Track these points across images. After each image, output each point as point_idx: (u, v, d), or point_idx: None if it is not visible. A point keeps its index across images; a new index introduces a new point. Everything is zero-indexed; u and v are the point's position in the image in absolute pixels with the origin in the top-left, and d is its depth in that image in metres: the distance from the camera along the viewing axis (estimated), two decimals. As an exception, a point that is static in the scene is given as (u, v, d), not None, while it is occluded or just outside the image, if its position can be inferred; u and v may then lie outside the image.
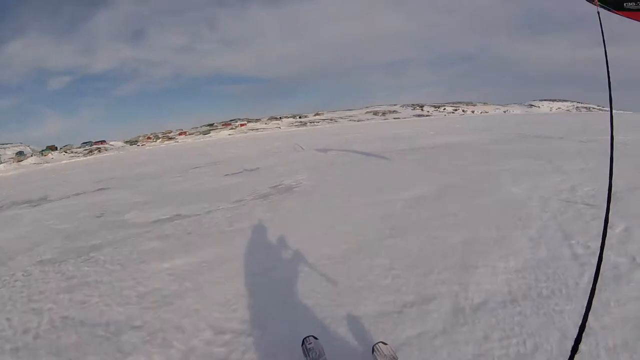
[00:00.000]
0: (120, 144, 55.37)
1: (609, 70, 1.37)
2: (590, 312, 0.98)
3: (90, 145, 51.73)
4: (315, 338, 1.91)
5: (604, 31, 1.35)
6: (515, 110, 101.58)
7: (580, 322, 0.96)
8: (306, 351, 1.83)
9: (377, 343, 1.81)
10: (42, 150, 48.52)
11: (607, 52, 1.43)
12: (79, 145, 52.57)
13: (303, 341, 1.89)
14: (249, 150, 16.05)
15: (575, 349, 0.90)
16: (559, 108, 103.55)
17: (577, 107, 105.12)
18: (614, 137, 1.58)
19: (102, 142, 54.64)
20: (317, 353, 1.79)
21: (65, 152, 46.73)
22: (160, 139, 63.25)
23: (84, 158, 39.70)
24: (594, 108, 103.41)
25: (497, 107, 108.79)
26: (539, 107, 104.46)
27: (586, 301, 1.00)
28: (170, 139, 62.89)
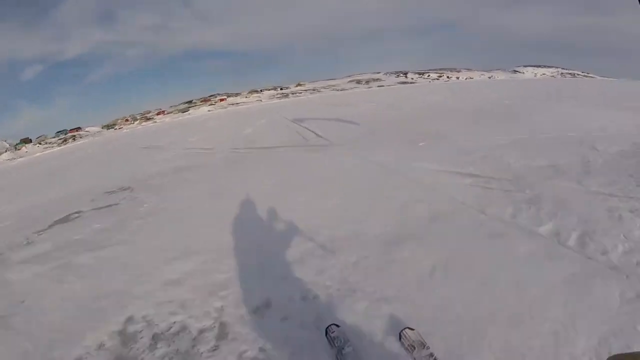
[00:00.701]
0: (96, 129, 54.45)
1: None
2: None
3: (65, 134, 50.95)
4: (337, 326, 1.89)
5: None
6: (500, 76, 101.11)
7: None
8: (331, 340, 1.82)
9: (404, 329, 1.80)
10: (16, 144, 47.59)
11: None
12: (54, 135, 51.74)
13: (326, 330, 1.88)
14: (226, 136, 12.36)
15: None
16: (544, 74, 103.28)
17: (561, 73, 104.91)
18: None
19: (77, 129, 53.70)
20: (342, 341, 1.78)
21: (39, 144, 46.10)
22: (138, 121, 62.32)
23: (58, 148, 39.47)
24: (578, 74, 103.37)
25: (482, 73, 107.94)
26: (524, 73, 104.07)
27: None
28: (149, 119, 62.02)
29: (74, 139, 42.75)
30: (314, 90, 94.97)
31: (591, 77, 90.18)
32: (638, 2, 0.91)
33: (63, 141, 43.96)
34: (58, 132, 52.59)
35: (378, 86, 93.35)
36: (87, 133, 51.01)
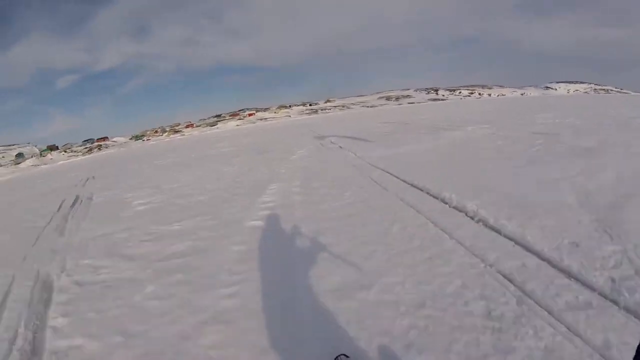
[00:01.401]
0: (123, 139, 52.15)
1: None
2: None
3: (92, 143, 48.59)
4: (347, 356, 1.77)
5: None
6: (532, 92, 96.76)
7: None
8: None
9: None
10: (42, 151, 45.38)
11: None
12: (80, 143, 49.46)
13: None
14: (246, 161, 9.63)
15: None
16: (577, 90, 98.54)
17: (594, 89, 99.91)
18: None
19: (104, 138, 51.48)
20: None
21: (65, 152, 43.65)
22: (167, 133, 60.04)
23: (82, 157, 36.62)
24: (611, 90, 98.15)
25: (514, 90, 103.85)
26: (556, 89, 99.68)
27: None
28: (177, 132, 59.62)
29: (99, 149, 39.98)
30: (343, 106, 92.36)
31: (625, 92, 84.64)
32: None
33: (88, 150, 41.31)
34: (85, 140, 50.46)
35: (409, 102, 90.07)
36: (114, 143, 48.50)
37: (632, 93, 68.80)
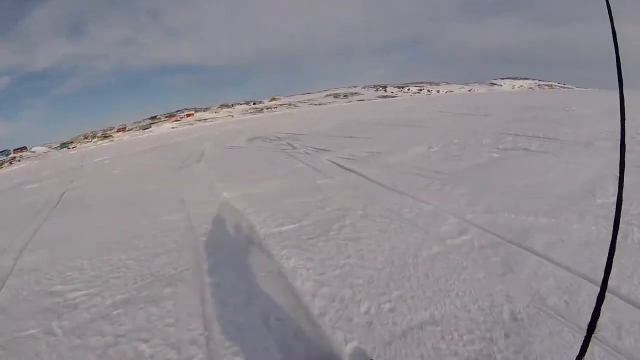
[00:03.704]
0: (43, 149, 52.24)
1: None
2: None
3: (7, 155, 48.77)
4: None
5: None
6: (478, 88, 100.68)
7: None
8: None
9: None
10: None
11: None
12: (-7, 154, 49.36)
13: None
14: None
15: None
16: (521, 86, 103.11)
17: (539, 84, 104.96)
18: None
19: (22, 149, 51.58)
20: None
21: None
22: (96, 138, 60.47)
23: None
24: (555, 85, 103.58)
25: (461, 86, 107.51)
26: (501, 85, 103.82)
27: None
28: (107, 137, 60.21)
29: (10, 163, 40.57)
30: (290, 104, 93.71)
31: (568, 87, 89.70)
32: (608, 14, 1.02)
33: (-1, 164, 41.82)
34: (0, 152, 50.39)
35: (358, 100, 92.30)
36: (32, 154, 48.94)
37: (575, 88, 73.18)
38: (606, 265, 0.97)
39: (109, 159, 18.48)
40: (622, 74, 1.01)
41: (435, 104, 22.51)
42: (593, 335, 0.94)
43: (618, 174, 1.04)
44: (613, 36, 1.05)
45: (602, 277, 0.97)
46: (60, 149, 53.92)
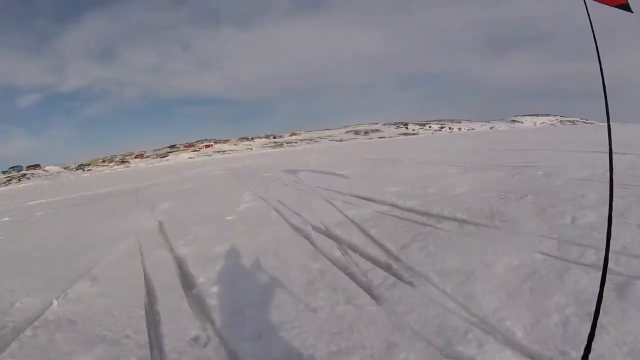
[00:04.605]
0: (56, 169, 51.31)
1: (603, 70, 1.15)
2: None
3: (19, 171, 47.85)
4: None
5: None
6: (500, 126, 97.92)
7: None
8: None
9: None
10: None
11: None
12: (6, 169, 48.47)
13: None
14: None
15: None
16: (543, 122, 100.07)
17: (560, 120, 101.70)
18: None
19: (35, 166, 50.75)
20: None
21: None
22: (114, 162, 59.72)
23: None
24: (577, 121, 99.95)
25: (483, 123, 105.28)
26: (523, 122, 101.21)
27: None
28: (124, 162, 59.32)
29: (19, 180, 39.08)
30: (310, 140, 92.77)
31: (590, 123, 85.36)
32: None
33: (8, 180, 40.39)
34: (12, 167, 49.49)
35: (379, 137, 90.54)
36: (45, 173, 47.79)
37: (597, 123, 69.16)
38: (599, 295, 0.96)
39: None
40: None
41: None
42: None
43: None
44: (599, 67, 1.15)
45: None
46: (76, 170, 52.92)
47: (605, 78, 1.13)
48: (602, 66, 1.15)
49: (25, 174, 43.53)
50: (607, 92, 1.12)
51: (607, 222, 1.01)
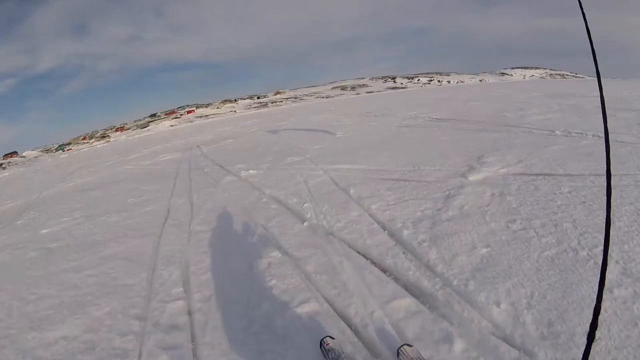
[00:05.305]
0: (34, 153, 49.39)
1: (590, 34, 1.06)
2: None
3: (-5, 160, 45.95)
4: (332, 338, 1.90)
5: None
6: (489, 78, 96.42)
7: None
8: (325, 352, 1.83)
9: (402, 346, 1.77)
10: None
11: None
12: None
13: (321, 342, 1.88)
14: None
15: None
16: (532, 75, 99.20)
17: (550, 74, 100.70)
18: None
19: (12, 154, 48.57)
20: (337, 353, 1.79)
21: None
22: (94, 139, 57.65)
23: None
24: (567, 75, 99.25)
25: (472, 76, 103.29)
26: (512, 75, 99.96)
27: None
28: (104, 137, 57.35)
29: (-5, 168, 37.79)
30: (295, 98, 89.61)
31: (580, 77, 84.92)
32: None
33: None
34: None
35: (367, 92, 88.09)
36: (22, 160, 46.02)
37: (587, 77, 68.95)
38: (599, 284, 0.93)
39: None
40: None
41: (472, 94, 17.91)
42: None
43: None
44: (588, 33, 1.07)
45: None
46: (57, 151, 51.16)
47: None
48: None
49: (1, 164, 41.91)
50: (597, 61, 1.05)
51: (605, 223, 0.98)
